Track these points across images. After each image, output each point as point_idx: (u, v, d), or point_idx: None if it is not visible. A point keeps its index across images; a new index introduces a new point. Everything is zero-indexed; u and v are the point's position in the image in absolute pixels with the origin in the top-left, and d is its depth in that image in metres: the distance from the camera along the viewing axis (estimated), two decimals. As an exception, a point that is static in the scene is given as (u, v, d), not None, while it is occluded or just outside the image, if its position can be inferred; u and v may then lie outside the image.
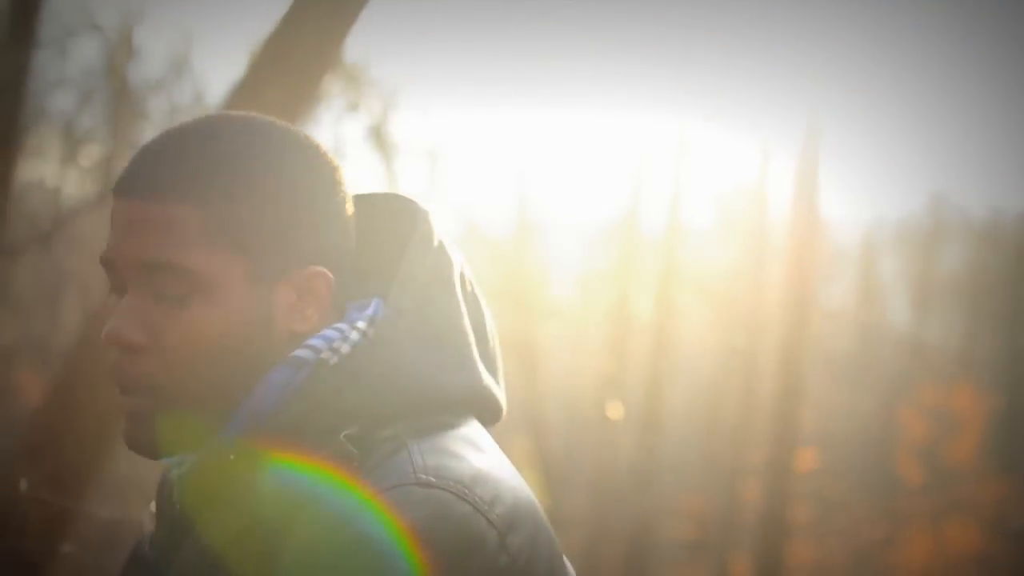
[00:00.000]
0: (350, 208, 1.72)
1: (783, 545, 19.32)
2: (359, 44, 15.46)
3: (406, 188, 16.45)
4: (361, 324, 1.67)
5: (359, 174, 15.70)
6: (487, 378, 1.73)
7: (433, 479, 1.54)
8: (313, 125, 14.63)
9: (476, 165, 25.97)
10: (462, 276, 1.75)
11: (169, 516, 1.74)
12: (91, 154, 14.96)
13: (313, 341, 1.65)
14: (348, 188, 1.73)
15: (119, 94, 13.82)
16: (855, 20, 29.39)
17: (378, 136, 15.77)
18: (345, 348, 1.66)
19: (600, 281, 22.95)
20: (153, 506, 1.80)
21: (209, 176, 1.62)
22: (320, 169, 1.69)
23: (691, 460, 23.29)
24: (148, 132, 15.16)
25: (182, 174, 1.62)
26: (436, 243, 1.73)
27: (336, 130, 16.40)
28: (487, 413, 1.73)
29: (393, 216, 1.77)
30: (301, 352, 1.65)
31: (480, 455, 1.63)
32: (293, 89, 5.80)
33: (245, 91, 5.84)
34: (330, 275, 1.67)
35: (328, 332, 1.66)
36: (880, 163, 39.78)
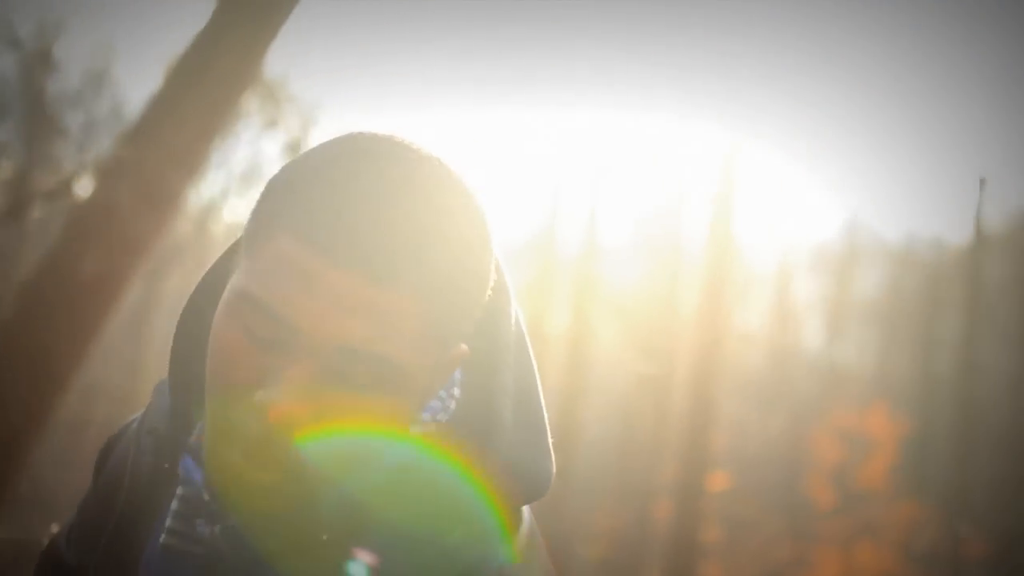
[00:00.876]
0: None
1: (695, 565, 19.40)
2: (278, 59, 15.42)
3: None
4: (456, 391, 1.56)
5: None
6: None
7: None
8: (232, 142, 14.61)
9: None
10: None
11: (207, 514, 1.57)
12: (5, 169, 14.86)
13: (422, 415, 1.54)
14: None
15: (35, 108, 13.73)
16: (771, 48, 29.66)
17: (297, 153, 15.74)
18: (444, 417, 1.55)
19: (515, 299, 22.94)
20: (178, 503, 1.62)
21: (434, 265, 1.41)
22: (495, 241, 1.51)
23: (604, 480, 23.33)
24: (63, 147, 15.07)
25: (413, 260, 1.40)
26: (511, 294, 1.61)
27: (255, 148, 16.36)
28: None
29: None
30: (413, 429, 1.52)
31: (542, 554, 1.60)
32: (212, 104, 5.74)
33: (162, 106, 5.81)
34: (468, 351, 1.52)
35: (433, 402, 1.55)
36: (797, 188, 40.09)
